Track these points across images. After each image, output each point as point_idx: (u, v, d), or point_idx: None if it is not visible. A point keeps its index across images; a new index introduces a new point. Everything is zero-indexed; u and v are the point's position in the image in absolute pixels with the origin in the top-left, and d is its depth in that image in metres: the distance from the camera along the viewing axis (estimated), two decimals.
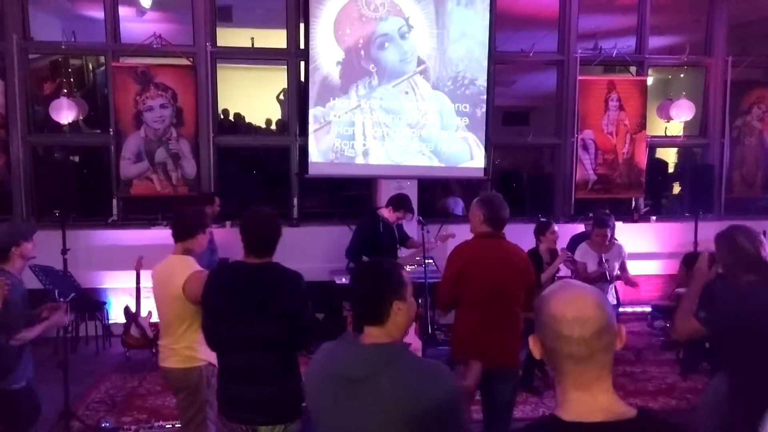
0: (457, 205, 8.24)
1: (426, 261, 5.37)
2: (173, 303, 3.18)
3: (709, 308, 2.73)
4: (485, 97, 6.99)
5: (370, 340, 1.88)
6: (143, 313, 5.96)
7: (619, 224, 6.83)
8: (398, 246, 5.75)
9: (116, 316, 6.46)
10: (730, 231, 2.84)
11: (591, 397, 1.33)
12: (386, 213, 5.63)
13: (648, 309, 7.18)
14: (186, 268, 3.19)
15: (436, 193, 8.37)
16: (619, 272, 5.35)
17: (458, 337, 3.45)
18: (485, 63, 6.95)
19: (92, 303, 6.45)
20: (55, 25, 7.51)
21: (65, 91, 6.80)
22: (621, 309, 6.38)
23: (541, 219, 5.92)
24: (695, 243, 6.88)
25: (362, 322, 1.91)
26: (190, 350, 3.21)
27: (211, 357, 2.98)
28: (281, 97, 7.71)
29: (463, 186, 8.28)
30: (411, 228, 6.29)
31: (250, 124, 8.63)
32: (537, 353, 1.41)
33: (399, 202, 5.69)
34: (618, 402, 1.34)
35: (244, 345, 2.64)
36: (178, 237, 3.28)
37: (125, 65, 6.74)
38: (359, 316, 1.93)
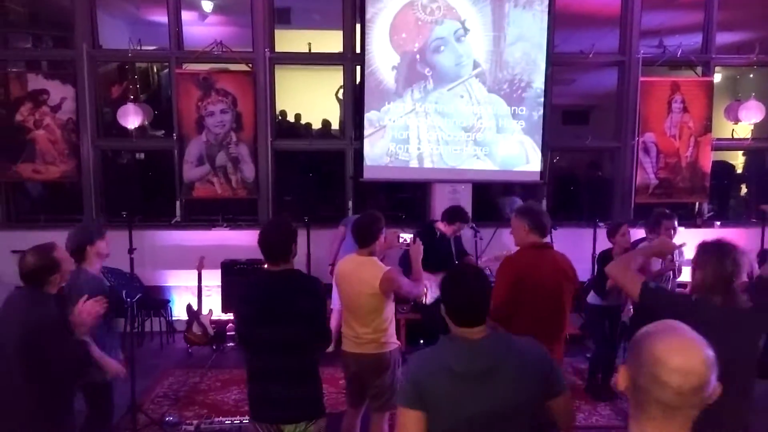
0: (515, 205, 8.06)
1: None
2: (369, 299, 3.56)
3: (660, 289, 2.72)
4: (542, 99, 6.89)
5: (479, 335, 2.09)
6: (204, 311, 6.19)
7: (681, 230, 6.62)
8: (455, 261, 5.68)
9: (179, 313, 6.72)
10: (720, 250, 2.59)
11: None
12: (442, 226, 5.63)
13: None
14: (377, 268, 3.60)
15: (494, 193, 8.27)
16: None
17: None
18: (543, 65, 6.85)
19: (157, 300, 6.73)
20: (121, 29, 7.84)
21: (131, 97, 7.08)
22: None
23: (600, 226, 5.80)
24: (761, 250, 6.60)
25: (470, 323, 2.10)
26: (384, 336, 3.64)
27: (396, 341, 3.72)
28: (339, 95, 7.80)
29: (524, 186, 8.14)
30: (465, 236, 6.25)
31: (308, 125, 8.75)
32: (623, 385, 1.38)
33: (453, 214, 5.67)
34: None
35: (270, 348, 2.85)
36: (361, 244, 3.71)
37: (188, 72, 6.97)
38: (468, 318, 2.10)
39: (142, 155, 8.18)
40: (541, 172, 6.99)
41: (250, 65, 7.01)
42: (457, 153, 6.85)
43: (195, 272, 6.15)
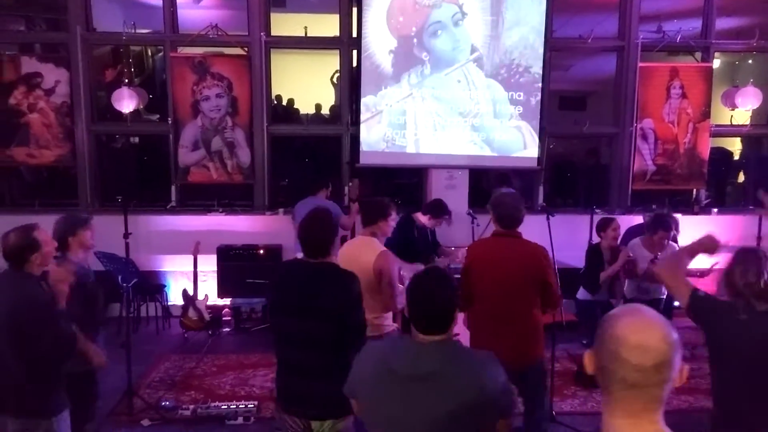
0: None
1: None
2: (363, 278, 3.39)
3: (709, 297, 2.70)
4: (540, 85, 6.84)
5: (428, 339, 1.99)
6: (200, 297, 6.18)
7: (678, 216, 6.63)
8: (432, 251, 5.71)
9: (175, 298, 6.71)
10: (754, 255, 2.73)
11: (636, 427, 1.32)
12: (423, 219, 5.60)
13: None
14: (373, 248, 3.59)
15: (491, 182, 8.26)
16: None
17: (472, 335, 3.57)
18: (541, 50, 6.79)
19: (152, 285, 6.72)
20: (115, 11, 7.72)
21: (126, 80, 7.02)
22: (676, 303, 6.22)
23: (597, 212, 5.79)
24: (758, 237, 6.60)
25: (430, 332, 1.99)
26: (379, 319, 3.52)
27: (392, 323, 3.60)
28: (335, 80, 7.73)
29: (520, 174, 8.14)
30: (462, 222, 6.26)
31: (299, 110, 8.69)
32: (590, 369, 1.40)
33: (435, 208, 5.65)
34: None
35: (296, 341, 2.75)
36: (365, 223, 3.76)
37: (183, 55, 6.91)
38: (428, 327, 1.99)
39: (137, 140, 8.13)
40: (538, 158, 6.97)
41: (246, 49, 6.94)
42: (454, 138, 6.82)
43: (191, 257, 6.13)
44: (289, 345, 2.80)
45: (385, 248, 3.65)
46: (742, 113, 7.42)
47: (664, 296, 5.25)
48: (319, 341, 2.71)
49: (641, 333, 1.31)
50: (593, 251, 5.25)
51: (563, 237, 4.85)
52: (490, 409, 1.95)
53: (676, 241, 5.38)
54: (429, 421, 1.91)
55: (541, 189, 7.32)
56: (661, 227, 5.03)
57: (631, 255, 5.11)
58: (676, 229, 5.28)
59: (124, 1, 8.09)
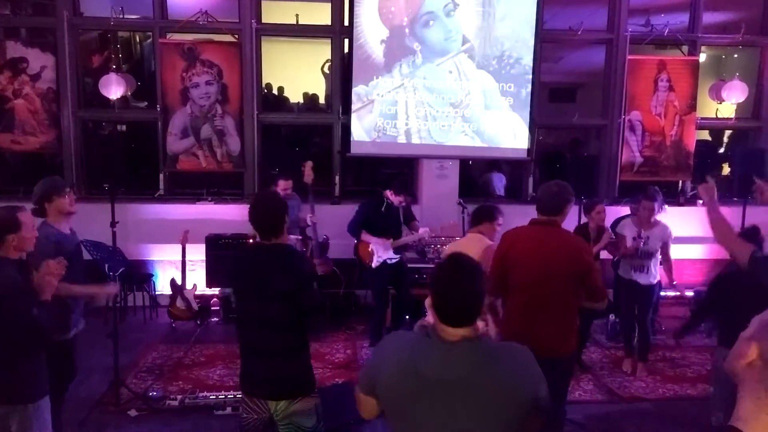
0: (500, 182, 8.09)
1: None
2: None
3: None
4: (531, 76, 6.87)
5: (457, 337, 1.82)
6: (188, 286, 6.14)
7: (665, 208, 6.71)
8: (401, 227, 5.81)
9: (163, 287, 6.66)
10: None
11: None
12: (390, 195, 5.66)
13: (691, 293, 7.06)
14: (482, 242, 3.98)
15: (480, 168, 8.29)
16: (660, 254, 5.30)
17: (505, 323, 3.50)
18: (532, 42, 6.82)
19: (140, 275, 6.66)
20: None
21: (113, 67, 6.91)
22: (663, 293, 6.32)
23: (583, 200, 5.85)
24: (741, 228, 6.70)
25: (456, 323, 1.83)
26: None
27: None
28: (326, 69, 7.68)
29: (510, 163, 8.17)
30: (452, 210, 6.29)
31: (289, 99, 8.62)
32: (746, 359, 1.33)
33: (400, 186, 5.73)
34: None
35: (254, 323, 2.83)
36: (473, 224, 4.25)
37: (172, 42, 6.82)
38: (455, 317, 1.83)
39: (124, 127, 8.02)
40: (528, 149, 7.00)
41: (236, 36, 6.88)
42: (445, 129, 6.82)
43: (179, 246, 6.09)
44: (248, 327, 2.88)
45: (491, 243, 3.93)
46: (727, 106, 7.51)
47: (656, 281, 5.35)
48: (277, 322, 2.77)
49: None
50: (580, 230, 5.34)
51: None
52: (523, 413, 1.81)
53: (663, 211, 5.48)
54: (459, 429, 1.79)
55: (531, 179, 7.36)
56: (644, 197, 5.21)
57: (613, 237, 5.23)
58: (661, 205, 5.39)
59: None
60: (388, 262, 5.68)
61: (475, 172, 8.29)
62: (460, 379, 1.78)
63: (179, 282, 6.11)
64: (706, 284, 6.27)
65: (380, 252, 5.63)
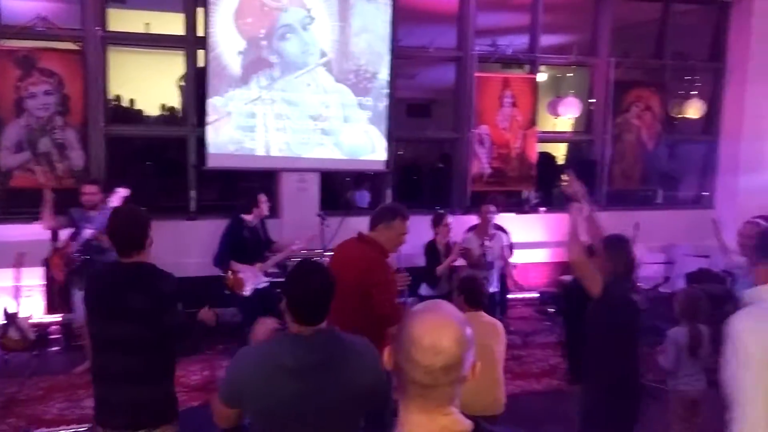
0: (363, 198, 8.32)
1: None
2: None
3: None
4: (387, 91, 7.09)
5: (312, 332, 2.06)
6: (24, 314, 5.62)
7: (511, 215, 7.25)
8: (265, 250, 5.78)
9: None
10: (621, 241, 3.26)
11: (431, 421, 1.33)
12: (248, 216, 5.61)
13: (536, 295, 7.64)
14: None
15: (345, 185, 8.44)
16: (501, 261, 5.89)
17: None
18: (387, 57, 7.04)
19: None
20: None
21: None
22: (510, 296, 6.78)
23: (439, 211, 6.13)
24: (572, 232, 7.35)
25: (310, 321, 2.06)
26: None
27: None
28: (182, 82, 7.41)
29: (371, 178, 8.36)
30: (313, 222, 6.31)
31: (142, 111, 8.24)
32: (389, 365, 1.38)
33: (248, 205, 5.66)
34: (457, 420, 1.34)
35: (109, 346, 2.65)
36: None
37: (5, 48, 6.25)
38: (309, 316, 2.07)
39: None
40: (386, 161, 7.21)
41: (79, 44, 6.44)
42: (305, 142, 6.85)
43: (12, 271, 5.56)
44: (104, 351, 2.69)
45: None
46: (564, 121, 8.23)
47: (497, 290, 5.83)
48: (133, 344, 2.61)
49: (433, 334, 1.30)
50: (429, 248, 5.60)
51: (410, 238, 5.03)
52: (376, 396, 2.09)
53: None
54: (319, 408, 2.00)
55: (389, 192, 7.57)
56: (484, 202, 5.86)
57: (462, 247, 5.61)
58: (498, 207, 6.08)
59: None
60: (259, 287, 5.57)
61: (339, 188, 8.39)
62: (319, 362, 2.01)
63: (13, 310, 5.58)
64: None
65: (252, 280, 5.51)
